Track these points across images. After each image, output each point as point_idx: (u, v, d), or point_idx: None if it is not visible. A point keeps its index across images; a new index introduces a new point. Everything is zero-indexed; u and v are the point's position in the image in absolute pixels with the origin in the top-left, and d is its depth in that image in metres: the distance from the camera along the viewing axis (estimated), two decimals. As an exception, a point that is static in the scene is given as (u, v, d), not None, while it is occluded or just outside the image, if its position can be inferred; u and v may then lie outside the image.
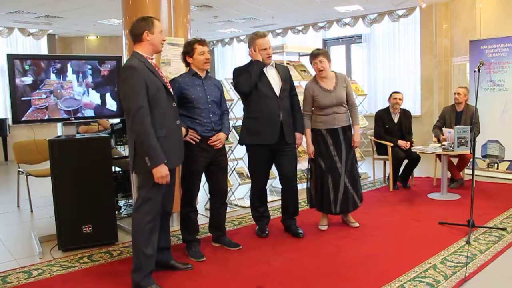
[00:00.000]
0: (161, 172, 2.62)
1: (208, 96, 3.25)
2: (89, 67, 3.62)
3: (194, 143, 3.20)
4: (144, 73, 2.63)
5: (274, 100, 3.56)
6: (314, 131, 3.81)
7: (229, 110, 4.42)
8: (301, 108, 3.84)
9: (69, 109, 3.57)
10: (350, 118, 3.89)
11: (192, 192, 3.34)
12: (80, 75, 3.59)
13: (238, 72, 3.60)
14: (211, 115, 3.25)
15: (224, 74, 11.32)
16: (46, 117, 3.49)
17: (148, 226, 2.70)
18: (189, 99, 3.18)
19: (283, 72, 3.70)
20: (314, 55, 3.76)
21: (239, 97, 3.97)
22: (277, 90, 3.59)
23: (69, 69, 3.55)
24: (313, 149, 3.80)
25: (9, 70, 3.33)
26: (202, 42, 3.27)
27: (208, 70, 3.38)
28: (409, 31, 8.38)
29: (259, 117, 3.57)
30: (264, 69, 3.59)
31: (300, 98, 3.88)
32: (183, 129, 3.06)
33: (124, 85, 2.63)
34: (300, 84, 5.73)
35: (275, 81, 3.61)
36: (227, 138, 3.41)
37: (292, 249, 3.47)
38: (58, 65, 3.51)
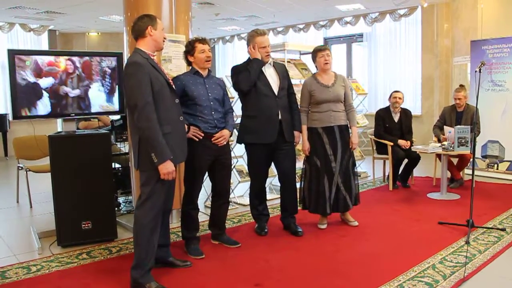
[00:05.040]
0: (168, 168, 2.61)
1: (209, 94, 3.25)
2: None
3: (197, 140, 3.20)
4: (148, 69, 2.63)
5: (273, 99, 3.56)
6: (310, 129, 3.79)
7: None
8: (299, 105, 3.84)
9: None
10: (347, 119, 3.88)
11: (194, 190, 3.34)
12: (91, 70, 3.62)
13: (237, 71, 3.59)
14: (213, 112, 3.25)
15: (225, 71, 11.29)
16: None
17: (151, 224, 2.70)
18: (190, 96, 3.19)
19: (281, 70, 3.70)
20: (321, 49, 3.80)
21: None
22: (275, 89, 3.58)
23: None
24: (309, 146, 3.78)
25: (9, 66, 3.32)
26: (202, 40, 3.28)
27: (210, 69, 3.39)
28: (410, 30, 8.36)
29: (257, 116, 3.57)
30: (263, 68, 3.58)
31: (299, 96, 3.87)
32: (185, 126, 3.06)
33: (129, 81, 2.61)
34: (301, 82, 5.72)
35: (273, 80, 3.61)
36: (231, 135, 3.42)
37: (291, 248, 3.47)
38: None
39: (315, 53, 3.81)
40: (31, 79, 3.38)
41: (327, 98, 3.74)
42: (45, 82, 3.44)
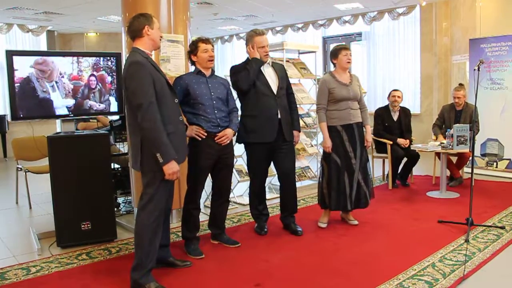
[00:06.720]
0: (173, 168, 2.60)
1: (212, 93, 3.26)
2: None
3: (200, 139, 3.20)
4: (149, 68, 2.62)
5: (272, 98, 3.57)
6: (329, 127, 3.80)
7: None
8: (316, 102, 3.89)
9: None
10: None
11: (197, 190, 3.34)
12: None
13: (236, 70, 3.59)
14: (216, 111, 3.26)
15: (224, 71, 11.29)
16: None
17: (153, 224, 2.69)
18: (193, 95, 3.20)
19: (280, 70, 3.70)
20: (346, 48, 3.82)
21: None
22: (274, 88, 3.59)
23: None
24: (331, 143, 3.77)
25: (8, 66, 3.31)
26: (205, 40, 3.31)
27: (213, 69, 3.39)
28: (409, 29, 8.36)
29: (257, 115, 3.57)
30: (261, 68, 3.58)
31: (298, 95, 3.88)
32: (184, 126, 3.06)
33: (132, 81, 2.58)
34: (300, 82, 5.72)
35: (272, 79, 3.62)
36: (234, 134, 3.42)
37: (290, 247, 3.47)
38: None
39: (339, 50, 3.81)
40: (58, 95, 3.48)
41: (347, 96, 3.76)
42: (67, 102, 3.55)
